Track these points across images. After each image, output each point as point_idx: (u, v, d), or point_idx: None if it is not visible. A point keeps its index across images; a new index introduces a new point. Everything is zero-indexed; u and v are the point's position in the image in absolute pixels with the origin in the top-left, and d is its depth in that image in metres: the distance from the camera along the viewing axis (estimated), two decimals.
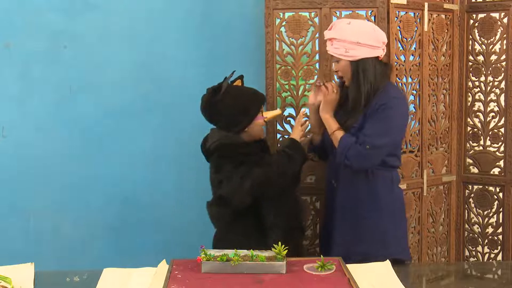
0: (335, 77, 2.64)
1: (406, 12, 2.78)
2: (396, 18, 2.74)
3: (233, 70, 2.42)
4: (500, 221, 3.05)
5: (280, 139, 2.82)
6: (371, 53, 2.28)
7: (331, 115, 2.38)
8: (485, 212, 3.09)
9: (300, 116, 2.51)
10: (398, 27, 2.75)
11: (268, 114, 2.49)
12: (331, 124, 2.36)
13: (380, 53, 2.32)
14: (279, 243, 2.00)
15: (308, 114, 2.52)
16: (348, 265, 2.02)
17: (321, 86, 2.42)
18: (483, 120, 3.05)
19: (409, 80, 2.83)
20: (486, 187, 3.07)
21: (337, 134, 2.33)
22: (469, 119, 3.08)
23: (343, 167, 2.33)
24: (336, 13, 2.71)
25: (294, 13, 2.74)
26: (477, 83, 3.05)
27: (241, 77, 2.47)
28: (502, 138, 3.01)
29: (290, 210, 2.44)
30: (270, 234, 2.35)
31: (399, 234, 2.42)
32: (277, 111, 2.58)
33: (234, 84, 2.45)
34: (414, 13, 2.82)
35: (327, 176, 2.56)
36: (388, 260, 2.13)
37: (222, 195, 2.33)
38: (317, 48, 2.75)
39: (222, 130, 2.40)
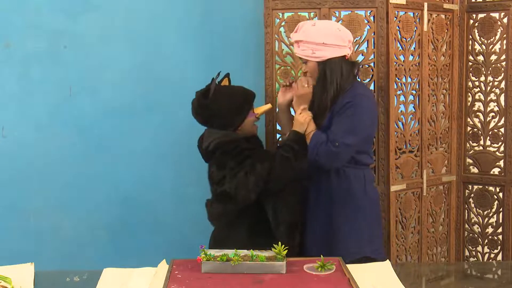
0: None
1: (405, 12, 2.78)
2: (395, 18, 2.74)
3: (219, 71, 2.43)
4: (500, 221, 3.05)
5: (280, 139, 2.82)
6: (337, 52, 2.32)
7: (304, 108, 2.39)
8: (485, 212, 3.09)
9: (302, 108, 2.41)
10: (397, 27, 2.75)
11: (259, 110, 2.49)
12: (308, 124, 2.37)
13: (347, 52, 2.35)
14: (279, 243, 2.01)
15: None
16: (348, 265, 2.02)
17: (290, 84, 2.46)
18: (483, 120, 3.05)
19: (409, 80, 2.83)
20: (486, 187, 3.07)
21: (310, 134, 2.35)
22: (469, 119, 3.08)
23: (314, 165, 2.33)
24: (335, 13, 2.71)
25: (293, 13, 2.74)
26: (477, 83, 3.05)
27: (227, 76, 2.49)
28: (502, 138, 3.01)
29: (295, 204, 2.44)
30: (275, 230, 2.34)
31: (374, 233, 2.44)
32: (268, 106, 2.57)
33: (221, 83, 2.46)
34: (413, 13, 2.82)
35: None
36: (388, 260, 2.13)
37: (225, 190, 2.32)
38: None
39: (217, 129, 2.40)
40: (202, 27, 3.06)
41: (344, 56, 2.36)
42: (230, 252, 1.99)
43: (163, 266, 2.04)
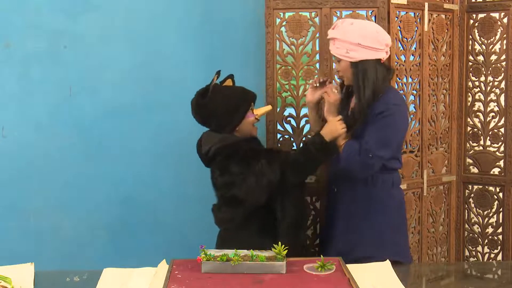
0: (336, 77, 2.65)
1: (406, 12, 2.78)
2: (396, 18, 2.74)
3: (218, 70, 2.42)
4: (500, 221, 3.05)
5: (280, 139, 2.82)
6: (372, 55, 2.26)
7: (339, 119, 2.34)
8: (485, 212, 3.09)
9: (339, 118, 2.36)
10: (398, 27, 2.75)
11: (259, 111, 2.47)
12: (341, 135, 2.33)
13: (383, 55, 2.29)
14: (279, 243, 2.01)
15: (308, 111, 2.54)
16: (348, 265, 2.03)
17: (324, 82, 2.41)
18: (483, 120, 3.05)
19: (409, 80, 2.83)
20: (486, 187, 3.07)
21: (341, 140, 2.32)
22: (469, 119, 3.08)
23: (346, 172, 2.33)
24: (336, 13, 2.71)
25: (294, 13, 2.74)
26: (477, 83, 3.05)
27: (231, 76, 2.47)
28: (502, 138, 3.01)
29: (301, 202, 2.45)
30: (282, 229, 2.34)
31: (399, 236, 2.42)
32: (268, 107, 2.54)
33: (225, 84, 2.45)
34: (414, 13, 2.82)
35: (328, 180, 2.56)
36: (388, 260, 2.13)
37: (235, 195, 2.31)
38: (317, 48, 2.74)
39: (215, 132, 2.39)
40: (203, 27, 3.06)
41: (379, 59, 2.29)
42: (230, 252, 1.99)
43: (163, 266, 2.04)
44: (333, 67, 2.43)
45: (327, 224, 2.53)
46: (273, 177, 2.27)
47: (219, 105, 2.36)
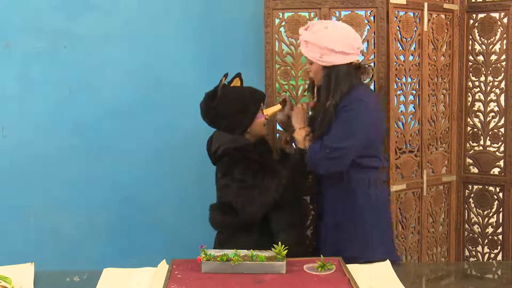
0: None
1: (405, 12, 2.78)
2: (395, 18, 2.74)
3: (226, 72, 2.42)
4: (500, 221, 3.05)
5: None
6: (345, 59, 2.27)
7: (301, 127, 2.41)
8: (485, 212, 3.08)
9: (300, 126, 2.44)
10: (397, 27, 2.75)
11: (269, 111, 2.49)
12: (305, 141, 2.38)
13: (355, 58, 2.30)
14: (280, 243, 2.01)
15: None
16: (348, 265, 2.03)
17: (284, 102, 2.51)
18: (483, 120, 3.05)
19: (409, 80, 2.83)
20: (486, 187, 3.07)
21: (307, 144, 2.36)
22: (469, 119, 3.08)
23: (316, 173, 2.36)
24: (335, 13, 2.71)
25: (293, 13, 2.73)
26: (477, 83, 3.05)
27: (238, 75, 2.47)
28: (502, 138, 3.01)
29: (297, 218, 2.46)
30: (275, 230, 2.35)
31: (384, 235, 2.41)
32: (277, 107, 2.55)
33: (232, 83, 2.45)
34: (413, 13, 2.81)
35: (317, 184, 2.56)
36: (388, 260, 2.13)
37: (231, 204, 2.30)
38: None
39: (225, 132, 2.39)
40: (202, 27, 3.06)
41: (351, 62, 2.31)
42: (230, 252, 2.00)
43: (163, 266, 2.05)
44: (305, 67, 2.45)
45: (317, 226, 2.54)
46: (277, 196, 2.29)
47: (228, 107, 2.36)
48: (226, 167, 2.34)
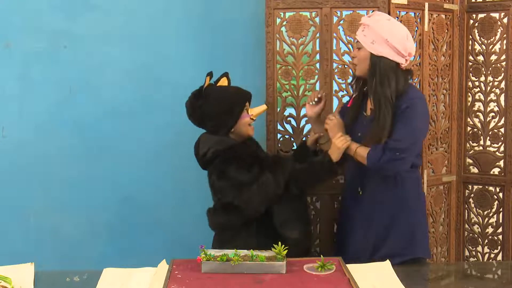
0: (337, 79, 2.65)
1: (406, 12, 2.78)
2: (396, 18, 2.73)
3: (210, 71, 2.41)
4: (500, 221, 3.05)
5: (281, 139, 2.81)
6: (393, 56, 2.26)
7: (340, 136, 2.36)
8: (485, 212, 3.08)
9: (339, 135, 2.36)
10: None
11: (254, 111, 2.45)
12: (350, 146, 2.34)
13: (402, 61, 2.29)
14: (279, 243, 2.01)
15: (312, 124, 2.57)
16: (348, 265, 2.03)
17: (320, 100, 2.47)
18: (483, 120, 3.05)
19: (410, 80, 2.83)
20: (486, 187, 3.07)
21: (359, 151, 2.31)
22: (469, 119, 3.08)
23: (375, 174, 2.33)
24: (336, 13, 2.71)
25: (294, 12, 2.73)
26: (477, 83, 3.05)
27: (225, 75, 2.46)
28: (502, 138, 3.01)
29: (302, 212, 2.45)
30: (285, 233, 2.33)
31: (424, 234, 2.45)
32: (263, 107, 2.51)
33: (219, 82, 2.44)
34: (414, 13, 2.81)
35: (349, 184, 2.54)
36: (388, 260, 2.13)
37: (233, 203, 2.30)
38: (317, 48, 2.74)
39: (211, 134, 2.38)
40: (203, 27, 3.06)
41: (398, 64, 2.29)
42: (230, 252, 1.99)
43: (163, 266, 2.05)
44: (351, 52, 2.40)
45: (346, 228, 2.51)
46: (278, 190, 2.28)
47: (213, 107, 2.35)
48: (219, 168, 2.32)
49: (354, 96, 2.46)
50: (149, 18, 3.02)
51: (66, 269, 2.33)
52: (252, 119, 2.44)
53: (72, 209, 3.05)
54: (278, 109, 2.80)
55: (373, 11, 2.69)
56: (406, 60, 2.30)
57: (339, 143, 2.32)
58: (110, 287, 1.93)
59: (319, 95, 2.49)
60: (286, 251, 1.99)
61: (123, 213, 3.09)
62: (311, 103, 2.49)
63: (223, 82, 2.46)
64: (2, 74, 2.94)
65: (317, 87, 2.77)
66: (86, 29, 2.96)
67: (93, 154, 3.04)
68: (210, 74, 2.40)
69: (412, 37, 2.78)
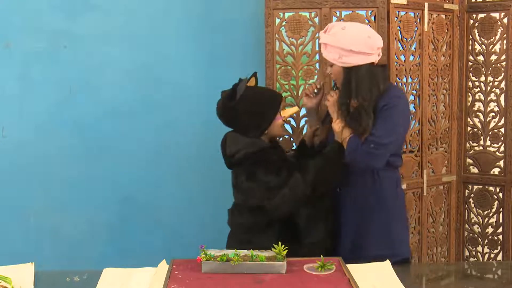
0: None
1: (406, 12, 2.78)
2: (396, 18, 2.74)
3: (255, 72, 2.39)
4: (500, 221, 3.05)
5: (281, 139, 2.81)
6: (364, 60, 2.25)
7: (338, 118, 2.35)
8: (485, 212, 3.09)
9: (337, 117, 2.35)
10: (398, 27, 2.75)
11: (286, 113, 2.46)
12: (343, 131, 2.33)
13: (375, 58, 2.28)
14: (279, 243, 2.01)
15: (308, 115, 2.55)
16: (348, 265, 2.02)
17: (319, 91, 2.45)
18: (483, 120, 3.05)
19: (409, 80, 2.83)
20: (486, 187, 3.07)
21: (347, 139, 2.32)
22: (469, 119, 3.08)
23: (352, 167, 2.33)
24: (336, 13, 2.71)
25: (294, 13, 2.74)
26: (477, 83, 3.05)
27: (254, 75, 2.43)
28: (502, 138, 3.01)
29: (326, 211, 2.44)
30: (307, 236, 2.33)
31: (402, 235, 2.43)
32: (295, 109, 2.53)
33: (248, 83, 2.42)
34: (414, 13, 2.82)
35: None
36: (388, 260, 2.13)
37: (260, 205, 2.28)
38: (317, 48, 2.74)
39: (241, 134, 2.36)
40: (203, 27, 3.06)
41: (372, 62, 2.28)
42: (230, 252, 1.99)
43: (163, 266, 2.04)
44: (327, 70, 2.41)
45: (333, 225, 2.51)
46: (307, 190, 2.27)
47: (248, 109, 2.32)
48: (249, 170, 2.30)
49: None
50: (149, 18, 3.02)
51: (66, 269, 2.33)
52: (284, 120, 2.44)
53: (72, 209, 3.05)
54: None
55: (372, 11, 2.69)
56: (379, 54, 2.30)
57: (335, 126, 2.33)
58: (110, 287, 1.93)
59: (318, 86, 2.48)
60: (286, 251, 1.98)
61: (123, 213, 3.09)
62: (311, 95, 2.48)
63: (252, 82, 2.44)
64: (2, 74, 2.94)
65: None
66: (86, 29, 2.96)
67: (93, 154, 3.04)
68: (255, 75, 2.39)
69: (412, 37, 2.80)
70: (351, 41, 2.23)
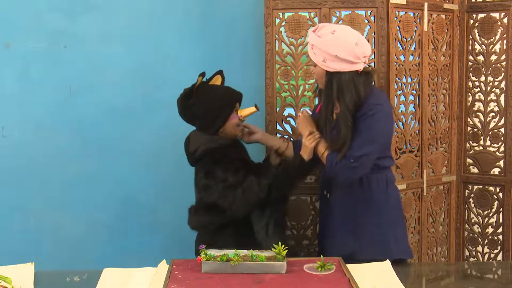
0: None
1: (405, 12, 2.78)
2: (395, 18, 2.74)
3: (203, 71, 2.41)
4: (500, 221, 3.05)
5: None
6: (349, 67, 2.21)
7: (310, 133, 2.35)
8: (485, 212, 3.09)
9: (308, 133, 2.37)
10: (397, 27, 2.75)
11: (244, 112, 2.44)
12: (318, 147, 2.34)
13: (360, 67, 2.23)
14: (279, 243, 2.01)
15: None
16: (348, 265, 2.03)
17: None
18: (483, 120, 3.05)
19: (409, 80, 2.83)
20: (486, 187, 3.07)
21: (325, 155, 2.31)
22: (469, 119, 3.08)
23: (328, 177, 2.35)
24: (335, 13, 2.71)
25: (293, 13, 2.74)
26: (477, 83, 3.05)
27: (220, 73, 2.45)
28: (502, 138, 3.01)
29: (280, 218, 2.46)
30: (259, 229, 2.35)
31: (399, 234, 2.41)
32: (252, 108, 2.48)
33: (212, 80, 2.44)
34: (413, 13, 2.82)
35: (320, 186, 2.54)
36: (388, 260, 2.13)
37: (216, 203, 2.31)
38: None
39: (201, 132, 2.39)
40: (202, 27, 3.06)
41: (357, 70, 2.23)
42: (230, 252, 2.00)
43: (163, 266, 2.05)
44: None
45: (323, 230, 2.52)
46: (262, 194, 2.29)
47: (202, 107, 2.35)
48: (207, 167, 2.33)
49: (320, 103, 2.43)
50: (149, 18, 3.02)
51: (66, 269, 2.33)
52: (240, 120, 2.43)
53: (72, 209, 3.05)
54: (278, 109, 2.81)
55: (371, 11, 2.69)
56: (364, 62, 2.24)
57: (307, 142, 2.33)
58: (110, 287, 1.93)
59: (245, 130, 2.53)
60: (286, 251, 1.99)
61: (123, 213, 3.09)
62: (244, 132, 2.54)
63: (217, 80, 2.45)
64: (2, 74, 2.94)
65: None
66: (86, 29, 2.96)
67: (93, 154, 3.04)
68: (202, 74, 2.40)
69: (412, 37, 2.80)
70: (338, 47, 2.19)
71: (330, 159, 2.27)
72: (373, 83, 2.39)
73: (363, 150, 2.21)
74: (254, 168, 2.38)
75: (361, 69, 2.24)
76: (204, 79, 2.43)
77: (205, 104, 2.35)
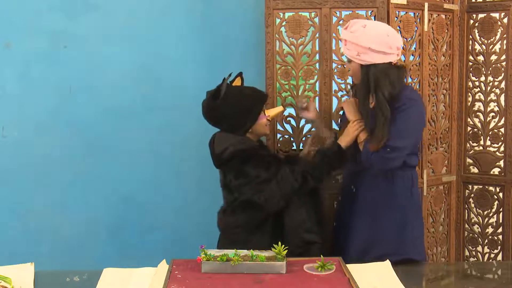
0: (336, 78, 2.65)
1: (406, 12, 2.78)
2: (396, 18, 2.74)
3: (231, 72, 2.42)
4: (500, 221, 3.05)
5: (280, 139, 2.82)
6: (383, 59, 2.26)
7: (356, 120, 2.39)
8: (485, 212, 3.08)
9: (355, 119, 2.40)
10: (398, 27, 2.75)
11: (271, 112, 2.49)
12: (359, 135, 2.37)
13: (394, 58, 2.29)
14: (280, 243, 2.01)
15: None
16: (348, 265, 2.03)
17: (306, 108, 2.54)
18: (483, 120, 3.05)
19: (409, 80, 2.83)
20: (486, 187, 3.07)
21: (362, 137, 2.37)
22: (469, 119, 3.08)
23: (367, 169, 2.36)
24: (336, 13, 2.71)
25: (294, 13, 2.74)
26: (477, 83, 3.05)
27: (240, 75, 2.46)
28: (502, 138, 3.01)
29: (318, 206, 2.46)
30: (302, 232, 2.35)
31: (416, 234, 2.44)
32: (279, 108, 2.58)
33: (234, 82, 2.45)
34: (414, 13, 2.82)
35: (345, 181, 2.57)
36: (388, 260, 2.13)
37: (252, 200, 2.30)
38: (317, 48, 2.75)
39: (227, 133, 2.38)
40: (202, 27, 3.06)
41: (391, 62, 2.29)
42: (230, 252, 2.00)
43: (163, 266, 2.05)
44: (340, 66, 2.43)
45: (342, 225, 2.52)
46: (296, 183, 2.29)
47: (230, 109, 2.35)
48: (237, 168, 2.33)
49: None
50: (149, 18, 3.02)
51: (66, 269, 2.33)
52: (268, 120, 2.46)
53: (72, 209, 3.05)
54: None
55: (372, 11, 2.69)
56: (398, 54, 2.31)
57: (351, 128, 2.37)
58: (110, 287, 1.93)
59: (303, 105, 2.56)
60: (286, 251, 1.99)
61: (123, 213, 3.09)
62: (302, 107, 2.57)
63: (237, 82, 2.47)
64: (2, 74, 2.94)
65: (317, 87, 2.78)
66: (86, 29, 2.96)
67: (93, 154, 3.04)
68: (230, 75, 2.41)
69: (412, 37, 2.80)
70: (370, 40, 2.25)
71: (366, 149, 2.31)
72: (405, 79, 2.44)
73: (399, 142, 2.26)
74: (285, 159, 2.39)
75: (395, 61, 2.30)
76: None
77: (235, 105, 2.36)
